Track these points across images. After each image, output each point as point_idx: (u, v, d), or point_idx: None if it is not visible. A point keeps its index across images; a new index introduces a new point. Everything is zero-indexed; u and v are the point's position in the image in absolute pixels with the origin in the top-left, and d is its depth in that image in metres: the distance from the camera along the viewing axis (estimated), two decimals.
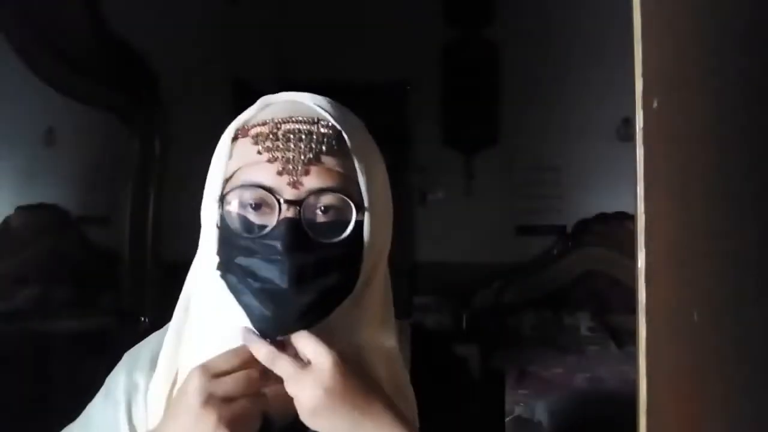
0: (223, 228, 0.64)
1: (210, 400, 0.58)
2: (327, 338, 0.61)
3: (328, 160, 0.62)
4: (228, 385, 0.59)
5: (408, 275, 3.72)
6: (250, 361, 0.60)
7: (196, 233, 0.73)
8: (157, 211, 2.76)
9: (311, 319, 0.62)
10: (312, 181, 0.62)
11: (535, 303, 3.52)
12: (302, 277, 0.60)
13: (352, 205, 0.63)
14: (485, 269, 3.65)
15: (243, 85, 3.18)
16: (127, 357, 0.76)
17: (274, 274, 0.60)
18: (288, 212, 0.61)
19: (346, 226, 0.63)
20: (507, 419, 2.25)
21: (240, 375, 0.60)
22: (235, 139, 0.65)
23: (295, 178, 0.61)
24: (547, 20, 3.53)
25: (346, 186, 0.63)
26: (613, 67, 2.06)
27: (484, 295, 3.64)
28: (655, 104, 0.48)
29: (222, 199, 0.64)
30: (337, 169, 0.63)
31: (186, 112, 2.82)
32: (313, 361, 0.59)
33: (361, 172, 0.64)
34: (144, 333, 0.77)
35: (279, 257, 0.60)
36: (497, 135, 3.80)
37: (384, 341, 0.68)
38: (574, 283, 3.63)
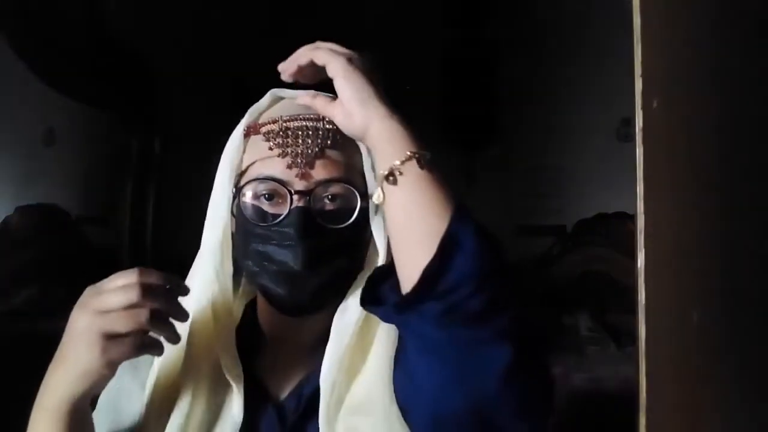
0: (239, 217, 0.69)
1: (92, 313, 0.58)
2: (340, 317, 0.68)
3: (332, 154, 0.68)
4: (107, 299, 0.58)
5: None
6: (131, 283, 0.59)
7: (195, 233, 0.73)
8: (157, 211, 2.76)
9: (324, 299, 0.68)
10: (319, 172, 0.67)
11: (535, 303, 3.51)
12: (314, 260, 0.65)
13: (357, 193, 0.68)
14: None
15: (242, 85, 3.18)
16: None
17: (288, 257, 0.65)
18: (299, 202, 0.66)
19: (353, 213, 0.67)
20: None
21: (119, 290, 0.58)
22: (247, 134, 0.71)
23: (303, 170, 0.66)
24: (546, 20, 3.53)
25: (351, 176, 0.69)
26: (612, 67, 2.06)
27: None
28: (655, 104, 0.48)
29: (238, 190, 0.69)
30: (342, 160, 0.68)
31: (186, 112, 2.82)
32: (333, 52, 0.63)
33: (366, 162, 0.70)
34: None
35: (292, 242, 0.65)
36: (497, 135, 3.80)
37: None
38: (574, 283, 3.63)
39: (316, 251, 0.66)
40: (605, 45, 2.58)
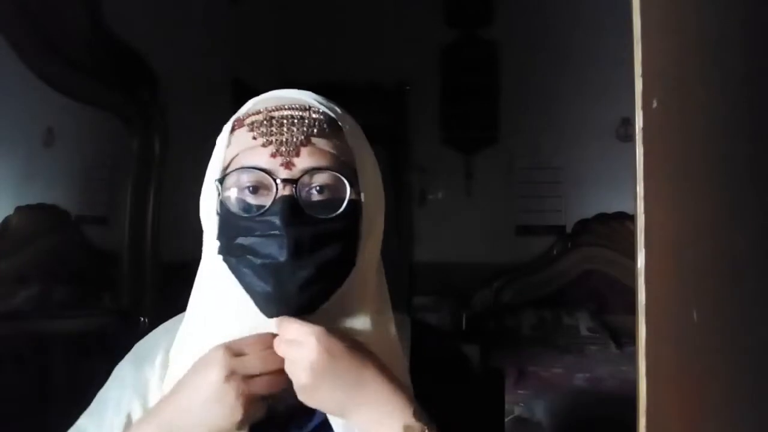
0: (223, 213, 0.66)
1: (232, 375, 0.61)
2: (323, 324, 0.64)
3: (319, 142, 0.65)
4: (250, 362, 0.62)
5: (408, 275, 3.72)
6: (270, 346, 0.63)
7: (195, 233, 0.73)
8: (157, 211, 2.76)
9: (310, 294, 0.64)
10: (304, 161, 0.64)
11: (535, 303, 3.52)
12: (300, 250, 0.62)
13: (346, 182, 0.65)
14: (485, 269, 3.65)
15: (243, 85, 3.18)
16: (137, 349, 0.77)
17: (273, 248, 0.62)
18: (284, 190, 0.63)
19: (342, 203, 0.65)
20: (507, 419, 2.25)
21: (262, 354, 0.63)
22: (232, 130, 0.69)
23: (288, 159, 0.64)
24: (546, 20, 3.53)
25: (339, 166, 0.66)
26: (612, 67, 2.06)
27: (484, 295, 3.64)
28: (655, 104, 0.48)
29: (221, 183, 0.66)
30: (329, 149, 0.66)
31: (186, 112, 2.82)
32: (299, 340, 0.62)
33: (355, 153, 0.67)
34: (143, 333, 0.77)
35: (278, 232, 0.62)
36: (497, 135, 3.81)
37: (381, 329, 0.70)
38: (574, 283, 3.63)
39: (303, 241, 0.62)
40: (605, 45, 2.59)
